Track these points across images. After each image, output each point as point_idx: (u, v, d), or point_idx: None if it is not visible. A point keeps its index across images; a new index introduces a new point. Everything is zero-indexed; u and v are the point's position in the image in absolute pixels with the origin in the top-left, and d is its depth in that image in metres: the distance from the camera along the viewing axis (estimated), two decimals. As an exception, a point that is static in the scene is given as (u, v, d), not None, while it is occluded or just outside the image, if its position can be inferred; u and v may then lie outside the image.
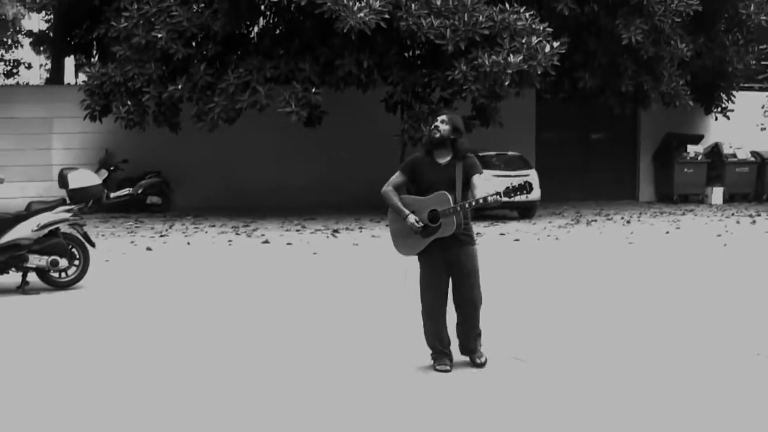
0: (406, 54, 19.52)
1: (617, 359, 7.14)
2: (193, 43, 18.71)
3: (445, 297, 6.80)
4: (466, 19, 17.18)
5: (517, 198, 6.63)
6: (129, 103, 18.68)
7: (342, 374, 6.75)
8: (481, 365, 6.80)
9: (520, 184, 6.52)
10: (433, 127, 6.75)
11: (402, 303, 9.56)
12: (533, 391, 6.25)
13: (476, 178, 6.63)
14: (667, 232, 16.60)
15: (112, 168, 20.95)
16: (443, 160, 6.73)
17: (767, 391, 6.23)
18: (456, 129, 6.69)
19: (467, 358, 6.90)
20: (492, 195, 6.41)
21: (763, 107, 21.16)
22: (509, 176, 17.61)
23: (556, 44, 17.43)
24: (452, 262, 6.69)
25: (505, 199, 6.44)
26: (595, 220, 18.99)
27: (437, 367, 6.77)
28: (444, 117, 6.77)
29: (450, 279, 6.77)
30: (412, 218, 6.60)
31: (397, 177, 6.87)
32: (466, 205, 6.51)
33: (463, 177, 6.63)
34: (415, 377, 6.64)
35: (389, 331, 8.20)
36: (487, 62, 17.01)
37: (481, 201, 6.45)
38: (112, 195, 20.43)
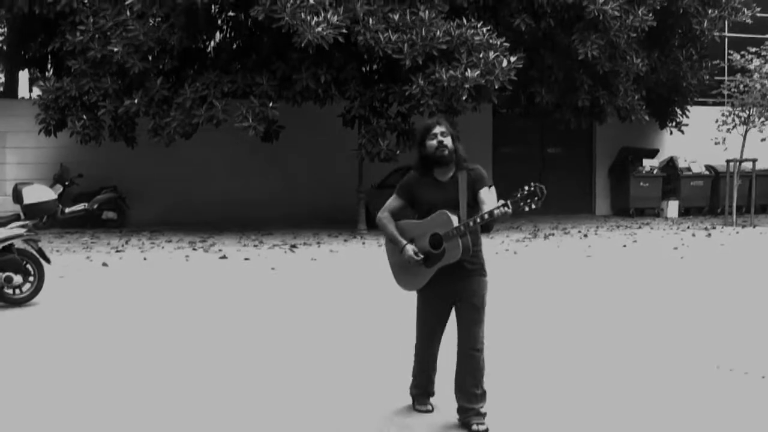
0: (364, 69, 19.53)
1: (578, 373, 7.15)
2: (150, 58, 18.56)
3: (440, 336, 5.91)
4: (423, 34, 17.21)
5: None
6: (84, 117, 18.55)
7: (302, 408, 6.67)
8: None
9: (530, 191, 5.45)
10: (436, 143, 5.64)
11: (365, 321, 9.53)
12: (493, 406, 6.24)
13: (484, 193, 5.65)
14: (624, 246, 16.71)
15: (67, 183, 20.75)
16: (446, 176, 5.73)
17: (729, 404, 6.27)
18: (455, 136, 5.73)
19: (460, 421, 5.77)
20: (498, 207, 5.42)
21: (716, 121, 21.42)
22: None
23: (513, 59, 17.49)
24: (459, 296, 5.72)
25: (511, 209, 5.42)
26: (553, 234, 19.07)
27: (417, 407, 6.02)
28: (442, 128, 5.71)
29: (454, 314, 5.82)
30: (410, 250, 5.66)
31: (393, 201, 5.89)
32: (471, 224, 5.47)
33: (468, 193, 5.65)
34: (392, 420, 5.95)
35: (353, 354, 8.10)
36: (444, 77, 17.04)
37: (486, 216, 5.43)
38: (68, 210, 20.27)
